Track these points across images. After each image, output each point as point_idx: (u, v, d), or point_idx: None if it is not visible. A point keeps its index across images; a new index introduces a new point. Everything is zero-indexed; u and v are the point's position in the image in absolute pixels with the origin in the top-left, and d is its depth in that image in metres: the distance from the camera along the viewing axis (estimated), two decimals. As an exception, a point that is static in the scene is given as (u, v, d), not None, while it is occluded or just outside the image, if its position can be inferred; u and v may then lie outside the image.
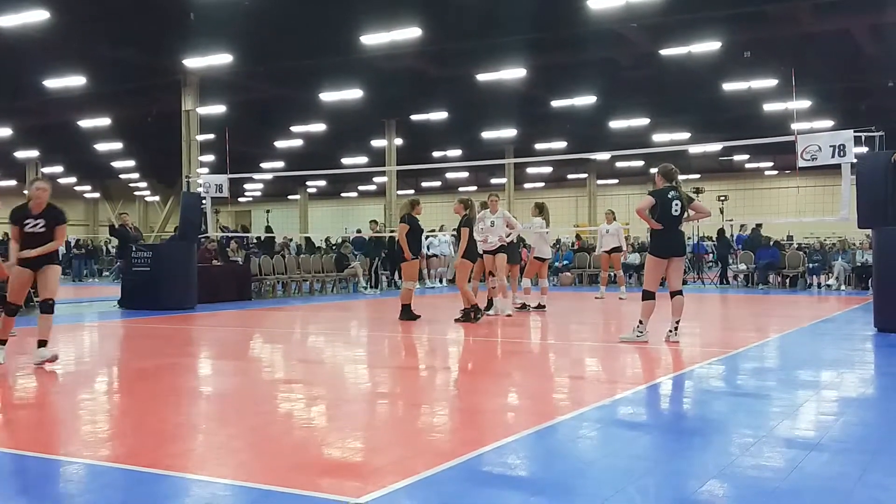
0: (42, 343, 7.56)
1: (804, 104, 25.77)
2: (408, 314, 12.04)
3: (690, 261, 22.60)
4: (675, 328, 9.04)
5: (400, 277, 22.20)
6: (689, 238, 22.63)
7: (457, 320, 11.47)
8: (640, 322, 9.06)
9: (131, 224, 17.14)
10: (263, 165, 40.66)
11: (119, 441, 4.84)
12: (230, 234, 22.59)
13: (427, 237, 19.93)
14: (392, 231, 19.96)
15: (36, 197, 7.55)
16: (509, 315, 12.67)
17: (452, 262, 22.75)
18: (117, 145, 34.94)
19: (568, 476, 4.00)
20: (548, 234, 14.29)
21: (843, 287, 19.86)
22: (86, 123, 29.81)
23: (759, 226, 22.71)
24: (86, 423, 5.38)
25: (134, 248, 15.37)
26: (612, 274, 17.16)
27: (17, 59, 20.98)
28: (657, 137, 32.88)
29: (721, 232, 24.31)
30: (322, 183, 51.98)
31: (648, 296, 9.00)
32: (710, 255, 29.74)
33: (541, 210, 13.88)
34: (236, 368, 8.00)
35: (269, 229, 32.65)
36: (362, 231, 21.92)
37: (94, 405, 6.06)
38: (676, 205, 8.90)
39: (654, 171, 9.82)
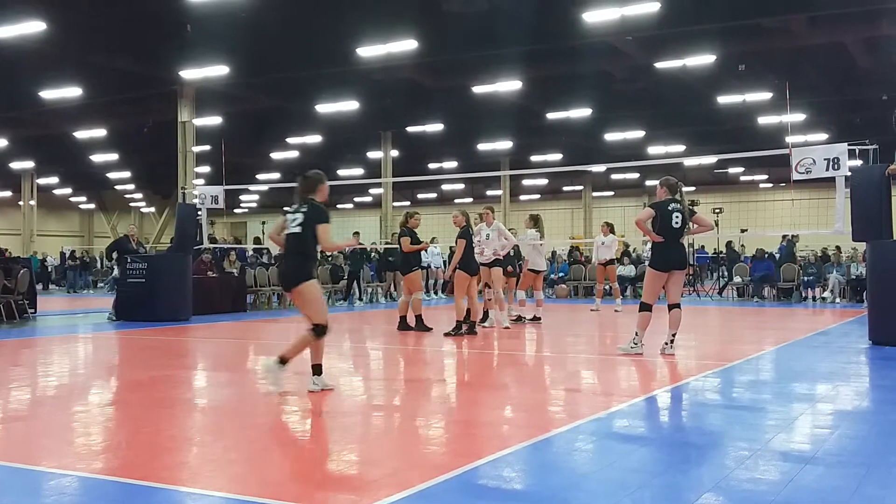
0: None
1: (799, 117, 25.90)
2: (421, 325, 12.12)
3: (694, 272, 22.59)
4: (672, 341, 9.04)
5: (396, 289, 22.35)
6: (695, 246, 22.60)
7: (446, 334, 11.43)
8: (636, 334, 9.07)
9: (136, 237, 16.72)
10: (259, 177, 40.69)
11: (113, 453, 4.82)
12: (226, 247, 22.55)
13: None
14: (388, 243, 19.96)
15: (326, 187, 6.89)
16: (506, 327, 12.66)
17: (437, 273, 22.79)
18: (113, 156, 34.93)
19: (563, 489, 4.00)
20: (542, 247, 14.29)
21: (837, 300, 19.90)
22: (81, 134, 29.80)
23: (794, 237, 22.14)
24: (79, 436, 5.36)
25: (129, 259, 15.35)
26: (608, 286, 17.17)
27: (14, 69, 21.00)
28: (652, 150, 32.99)
29: (729, 244, 24.31)
30: (318, 194, 51.94)
31: (645, 308, 9.02)
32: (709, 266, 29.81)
33: (535, 222, 13.88)
34: (231, 380, 7.98)
35: (258, 240, 32.59)
36: (356, 244, 21.90)
37: (87, 417, 6.03)
38: (677, 217, 8.90)
39: (650, 182, 9.85)
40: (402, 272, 12.55)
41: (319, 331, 6.54)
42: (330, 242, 6.74)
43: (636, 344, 9.04)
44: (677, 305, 9.05)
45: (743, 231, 24.45)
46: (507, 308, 13.56)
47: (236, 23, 17.60)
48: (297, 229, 6.58)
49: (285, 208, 6.99)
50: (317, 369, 6.65)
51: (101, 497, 3.99)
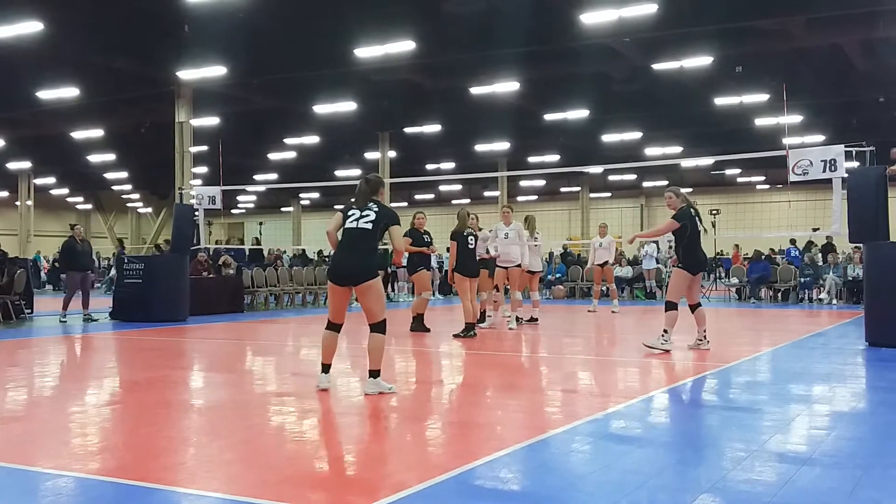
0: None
1: (796, 119, 25.94)
2: (419, 325, 12.08)
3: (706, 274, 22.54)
4: (705, 336, 9.55)
5: (394, 290, 22.37)
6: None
7: (455, 336, 11.40)
8: (665, 332, 9.32)
9: (80, 235, 15.67)
10: (257, 177, 40.66)
11: (110, 454, 4.82)
12: (222, 248, 22.53)
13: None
14: (385, 245, 19.91)
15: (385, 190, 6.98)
16: (511, 328, 12.65)
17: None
18: (110, 156, 34.89)
19: (560, 490, 4.00)
20: (539, 247, 14.30)
21: (834, 301, 19.91)
22: (79, 135, 29.75)
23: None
24: (76, 436, 5.36)
25: (126, 260, 15.34)
26: (605, 287, 17.18)
27: (10, 70, 20.96)
28: (649, 151, 33.02)
29: (810, 244, 24.25)
30: (315, 195, 51.97)
31: (672, 307, 9.33)
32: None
33: (527, 222, 13.89)
34: (227, 381, 7.97)
35: (257, 241, 32.58)
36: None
37: (84, 417, 6.02)
38: (697, 221, 9.41)
39: (647, 184, 9.98)
40: (409, 272, 12.73)
41: (384, 327, 6.65)
42: (402, 244, 7.02)
43: (665, 341, 9.28)
44: (699, 304, 9.63)
45: (815, 230, 23.03)
46: (501, 309, 13.59)
47: (234, 23, 17.59)
48: (368, 226, 6.66)
49: (337, 207, 7.10)
50: (374, 373, 6.68)
51: (97, 498, 3.98)
